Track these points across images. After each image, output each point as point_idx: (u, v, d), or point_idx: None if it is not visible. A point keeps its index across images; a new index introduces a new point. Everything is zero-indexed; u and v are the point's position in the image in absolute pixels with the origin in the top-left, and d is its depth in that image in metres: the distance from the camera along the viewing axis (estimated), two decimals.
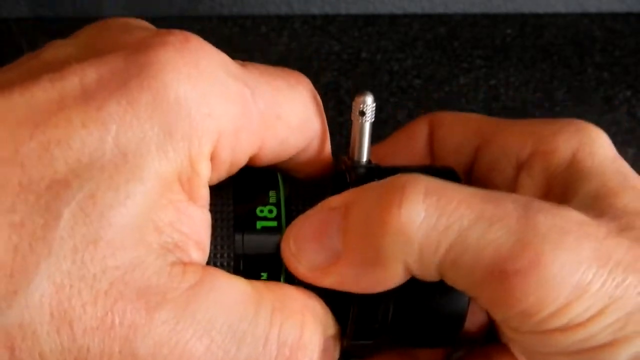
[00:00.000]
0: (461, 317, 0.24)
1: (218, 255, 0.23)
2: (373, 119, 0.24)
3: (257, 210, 0.24)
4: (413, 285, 0.22)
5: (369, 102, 0.24)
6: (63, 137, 0.19)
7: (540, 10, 0.58)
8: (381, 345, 0.25)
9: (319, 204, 0.23)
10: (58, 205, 0.19)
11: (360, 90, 0.24)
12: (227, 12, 0.57)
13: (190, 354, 0.20)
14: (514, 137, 0.26)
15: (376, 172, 0.24)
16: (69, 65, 0.20)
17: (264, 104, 0.23)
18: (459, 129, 0.28)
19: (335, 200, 0.23)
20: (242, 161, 0.23)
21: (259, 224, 0.23)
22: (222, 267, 0.23)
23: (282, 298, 0.22)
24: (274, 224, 0.23)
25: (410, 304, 0.23)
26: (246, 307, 0.21)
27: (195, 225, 0.22)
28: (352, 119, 0.24)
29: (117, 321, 0.19)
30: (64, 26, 0.57)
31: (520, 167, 0.25)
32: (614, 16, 0.58)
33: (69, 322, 0.19)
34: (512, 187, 0.25)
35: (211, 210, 0.23)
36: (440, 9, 0.58)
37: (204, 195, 0.22)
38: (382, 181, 0.22)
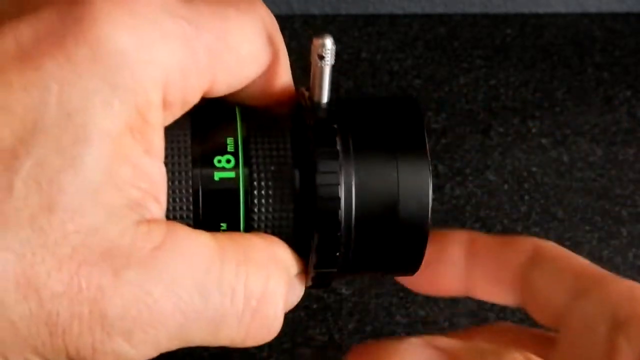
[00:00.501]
0: (424, 233, 0.24)
1: (177, 209, 0.23)
2: (333, 62, 0.24)
3: (215, 161, 0.23)
4: (374, 209, 0.23)
5: (328, 46, 0.24)
6: (4, 103, 0.19)
7: (540, 10, 0.58)
8: (346, 271, 0.25)
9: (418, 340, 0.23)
10: (9, 176, 0.19)
11: (319, 34, 0.24)
12: None
13: (159, 313, 0.20)
14: (612, 295, 0.24)
15: (335, 115, 0.24)
16: (2, 24, 0.20)
17: (211, 36, 0.22)
18: (555, 276, 0.26)
19: (441, 342, 0.22)
20: (194, 99, 0.23)
21: (217, 175, 0.23)
22: (181, 220, 0.23)
23: (246, 249, 0.22)
24: (231, 174, 0.23)
25: (371, 226, 0.24)
26: (211, 262, 0.21)
27: (153, 179, 0.21)
28: (311, 61, 0.24)
29: (83, 284, 0.19)
30: None
31: (617, 328, 0.23)
32: (614, 16, 0.58)
33: (35, 289, 0.19)
34: (607, 349, 0.23)
35: (167, 162, 0.23)
36: (440, 9, 0.58)
37: (158, 146, 0.22)
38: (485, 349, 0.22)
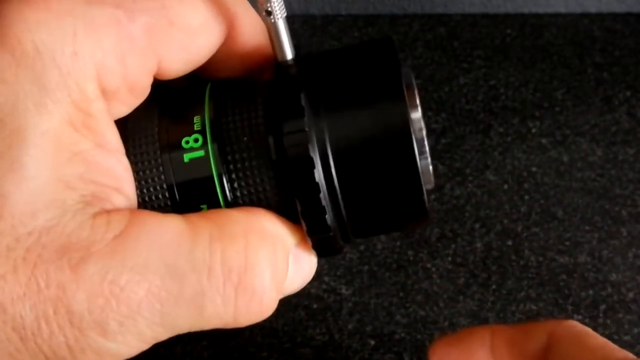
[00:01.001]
0: (414, 174, 0.23)
1: (153, 198, 0.22)
2: (285, 14, 0.23)
3: (183, 142, 0.23)
4: (355, 162, 0.22)
5: (271, 4, 0.23)
6: None
7: (540, 10, 0.58)
8: (351, 235, 0.24)
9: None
10: None
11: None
12: None
13: (129, 299, 0.20)
14: None
15: (301, 71, 0.23)
16: None
17: (148, 16, 0.22)
18: (580, 351, 0.27)
19: None
20: (142, 83, 0.22)
21: (186, 157, 0.23)
22: (159, 208, 0.22)
23: (221, 224, 0.22)
24: (200, 153, 0.23)
25: (356, 180, 0.23)
26: (180, 242, 0.21)
27: (110, 172, 0.21)
28: (263, 20, 0.23)
29: (42, 284, 0.19)
30: None
31: None
32: (614, 16, 0.58)
33: None
34: None
35: (136, 152, 0.22)
36: (440, 9, 0.58)
37: (111, 136, 0.21)
38: None
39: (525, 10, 0.58)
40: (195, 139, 0.23)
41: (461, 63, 0.55)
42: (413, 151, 0.22)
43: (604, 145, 0.50)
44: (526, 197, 0.48)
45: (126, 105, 0.22)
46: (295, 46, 0.24)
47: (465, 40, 0.57)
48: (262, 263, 0.22)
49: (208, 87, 0.24)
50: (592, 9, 0.58)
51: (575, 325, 0.28)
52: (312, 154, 0.22)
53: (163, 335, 0.21)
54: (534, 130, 0.51)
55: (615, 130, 0.51)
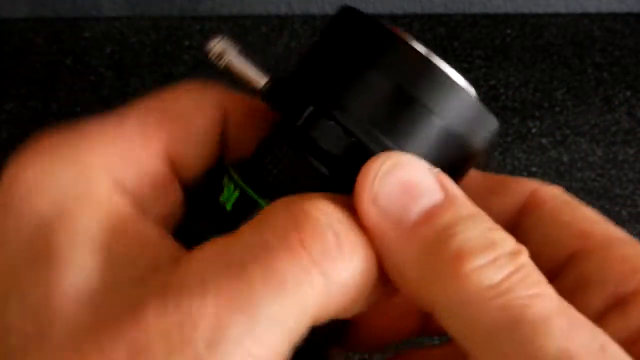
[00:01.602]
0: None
1: None
2: (237, 48, 0.24)
3: (220, 198, 0.23)
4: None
5: (214, 49, 0.24)
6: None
7: (540, 10, 0.58)
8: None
9: None
10: None
11: (207, 43, 0.24)
12: (227, 12, 0.57)
13: None
14: (615, 265, 0.22)
15: (288, 82, 0.23)
16: None
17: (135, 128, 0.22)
18: (553, 228, 0.24)
19: None
20: (167, 196, 0.23)
21: (229, 206, 0.23)
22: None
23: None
24: (236, 194, 0.23)
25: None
26: None
27: None
28: (219, 66, 0.24)
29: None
30: (64, 26, 0.58)
31: (617, 303, 0.22)
32: (614, 16, 0.58)
33: None
34: (598, 321, 0.20)
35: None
36: (440, 9, 0.58)
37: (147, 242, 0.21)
38: None
39: (525, 10, 0.58)
40: (228, 189, 0.23)
41: (461, 63, 0.55)
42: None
43: (604, 145, 0.50)
44: None
45: (156, 212, 0.22)
46: (269, 68, 0.24)
47: (465, 40, 0.57)
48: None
49: (228, 166, 0.24)
50: (592, 9, 0.58)
51: (562, 193, 0.25)
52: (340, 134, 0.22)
53: None
54: (534, 130, 0.51)
55: (615, 130, 0.51)
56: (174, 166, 0.23)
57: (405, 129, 0.22)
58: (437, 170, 0.21)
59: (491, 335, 0.19)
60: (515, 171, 0.49)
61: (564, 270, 0.24)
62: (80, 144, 0.22)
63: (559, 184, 0.48)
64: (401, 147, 0.22)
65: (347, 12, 0.24)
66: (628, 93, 0.53)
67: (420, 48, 0.23)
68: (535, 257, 0.22)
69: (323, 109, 0.22)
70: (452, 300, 0.19)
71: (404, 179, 0.20)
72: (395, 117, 0.22)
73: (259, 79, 0.24)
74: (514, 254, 0.20)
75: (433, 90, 0.22)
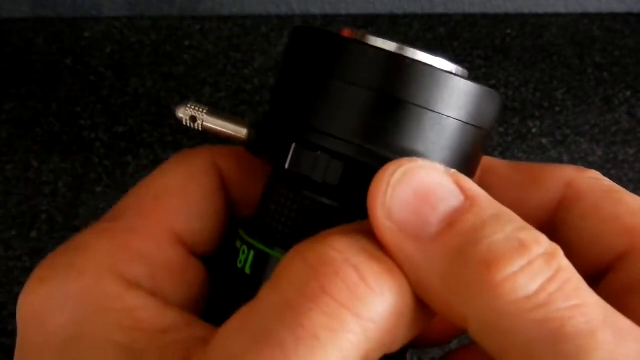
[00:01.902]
0: None
1: None
2: (206, 109, 0.23)
3: (238, 264, 0.22)
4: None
5: (187, 113, 0.23)
6: None
7: (540, 10, 0.58)
8: None
9: None
10: None
11: (172, 110, 0.23)
12: (227, 12, 0.57)
13: None
14: None
15: (264, 124, 0.22)
16: None
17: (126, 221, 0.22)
18: (602, 216, 0.22)
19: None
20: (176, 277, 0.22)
21: (247, 269, 0.22)
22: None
23: None
24: (251, 255, 0.22)
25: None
26: None
27: None
28: (192, 129, 0.23)
29: None
30: (64, 26, 0.58)
31: None
32: (614, 16, 0.58)
33: None
34: None
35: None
36: (440, 9, 0.58)
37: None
38: None
39: (525, 10, 0.58)
40: (243, 251, 0.22)
41: (461, 63, 0.55)
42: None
43: (604, 145, 0.50)
44: None
45: (168, 295, 0.22)
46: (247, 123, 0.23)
47: (465, 40, 0.57)
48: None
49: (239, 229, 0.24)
50: (592, 9, 0.58)
51: (601, 179, 0.23)
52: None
53: None
54: (534, 130, 0.51)
55: (615, 130, 0.51)
56: (185, 243, 0.22)
57: (400, 134, 0.20)
58: (453, 171, 0.19)
59: (530, 352, 0.17)
60: None
61: (610, 271, 0.21)
62: (80, 256, 0.21)
63: None
64: (403, 153, 0.20)
65: (299, 33, 0.22)
66: (628, 93, 0.53)
67: (387, 45, 0.21)
68: (578, 257, 0.20)
69: (303, 140, 0.21)
70: (485, 315, 0.17)
71: (418, 187, 0.18)
72: (384, 125, 0.20)
73: (239, 131, 0.23)
74: (549, 256, 0.18)
75: (415, 85, 0.21)
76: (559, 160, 0.50)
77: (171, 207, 0.22)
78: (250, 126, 0.23)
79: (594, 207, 0.22)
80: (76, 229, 0.46)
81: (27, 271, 0.44)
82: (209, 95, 0.52)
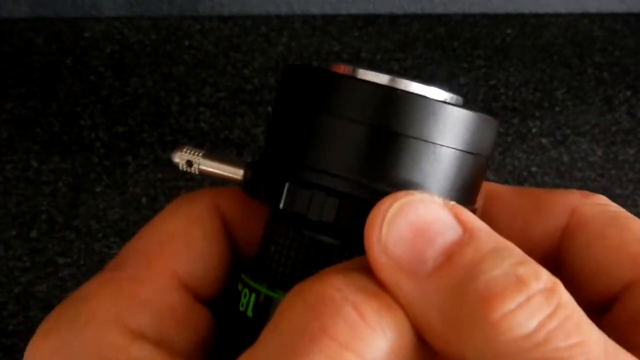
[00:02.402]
0: None
1: None
2: (202, 152, 0.23)
3: (240, 307, 0.22)
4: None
5: (183, 158, 0.23)
6: None
7: (540, 10, 0.58)
8: None
9: None
10: None
11: (169, 157, 0.23)
12: (227, 12, 0.57)
13: None
14: None
15: (260, 164, 0.22)
16: None
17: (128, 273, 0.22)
18: (608, 245, 0.21)
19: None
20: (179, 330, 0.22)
21: (249, 313, 0.22)
22: None
23: None
24: (252, 298, 0.22)
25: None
26: None
27: None
28: (189, 172, 0.23)
29: None
30: (64, 26, 0.58)
31: None
32: (614, 16, 0.58)
33: None
34: None
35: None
36: (440, 9, 0.58)
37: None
38: None
39: (525, 10, 0.58)
40: (244, 294, 0.22)
41: (461, 63, 0.55)
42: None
43: (604, 145, 0.50)
44: None
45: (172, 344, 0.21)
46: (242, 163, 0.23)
47: (465, 40, 0.57)
48: None
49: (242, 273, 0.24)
50: (592, 9, 0.58)
51: (606, 206, 0.22)
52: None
53: None
54: (534, 130, 0.51)
55: (615, 130, 0.51)
56: (189, 289, 0.22)
57: (395, 166, 0.20)
58: (452, 203, 0.19)
59: None
60: (515, 171, 0.49)
61: (616, 301, 0.21)
62: (85, 307, 0.21)
63: (559, 184, 0.48)
64: (400, 186, 0.20)
65: (291, 71, 0.22)
66: (628, 93, 0.53)
67: (378, 78, 0.21)
68: (583, 287, 0.20)
69: (296, 179, 0.21)
70: (483, 354, 0.17)
71: (415, 221, 0.18)
72: (379, 158, 0.20)
73: (236, 172, 0.23)
74: (549, 291, 0.17)
75: (408, 117, 0.20)
76: (559, 160, 0.50)
77: (174, 253, 0.22)
78: (247, 166, 0.22)
79: (599, 235, 0.21)
80: (76, 229, 0.46)
81: (27, 271, 0.44)
82: (209, 95, 0.52)
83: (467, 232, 0.18)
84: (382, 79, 0.21)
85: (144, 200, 0.48)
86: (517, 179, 0.49)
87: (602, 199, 0.23)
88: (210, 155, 0.23)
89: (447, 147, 0.20)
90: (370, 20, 0.58)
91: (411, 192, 0.18)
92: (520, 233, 0.19)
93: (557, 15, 0.58)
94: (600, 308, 0.21)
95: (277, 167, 0.21)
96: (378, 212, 0.18)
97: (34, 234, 0.46)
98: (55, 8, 0.56)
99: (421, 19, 0.58)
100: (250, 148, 0.50)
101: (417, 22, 0.58)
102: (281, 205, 0.21)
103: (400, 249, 0.18)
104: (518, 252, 0.18)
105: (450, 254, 0.17)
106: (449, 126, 0.20)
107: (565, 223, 0.22)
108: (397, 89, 0.20)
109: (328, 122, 0.20)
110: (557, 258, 0.21)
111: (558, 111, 0.52)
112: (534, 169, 0.49)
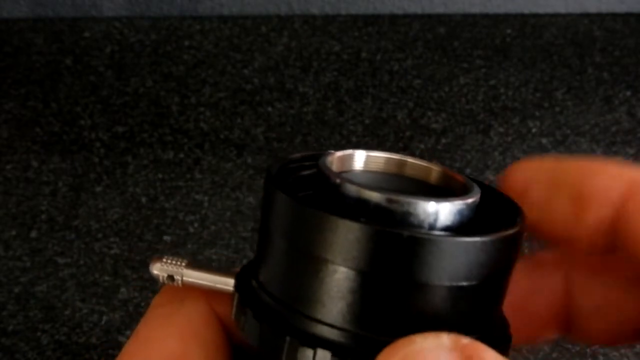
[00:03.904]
0: None
1: None
2: (185, 262, 0.21)
3: None
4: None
5: (162, 271, 0.21)
6: None
7: (540, 10, 0.58)
8: None
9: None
10: None
11: (150, 269, 0.21)
12: (227, 12, 0.57)
13: None
14: None
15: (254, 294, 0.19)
16: None
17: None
18: None
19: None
20: None
21: None
22: None
23: None
24: None
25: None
26: None
27: None
28: (178, 285, 0.20)
29: None
30: (64, 26, 0.58)
31: None
32: (614, 16, 0.58)
33: None
34: None
35: None
36: (440, 9, 0.58)
37: None
38: None
39: (525, 10, 0.58)
40: None
41: (461, 63, 0.55)
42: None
43: (604, 145, 0.50)
44: None
45: None
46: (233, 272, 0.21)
47: (465, 40, 0.57)
48: None
49: None
50: (592, 9, 0.58)
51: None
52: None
53: None
54: (534, 130, 0.51)
55: (615, 130, 0.51)
56: None
57: (391, 315, 0.17)
58: (466, 342, 0.16)
59: None
60: None
61: None
62: None
63: None
64: (398, 333, 0.16)
65: (272, 193, 0.18)
66: (628, 93, 0.53)
67: (374, 196, 0.16)
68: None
69: (298, 334, 0.18)
70: None
71: None
72: (372, 306, 0.17)
73: (226, 283, 0.20)
74: None
75: (406, 261, 0.16)
76: None
77: None
78: (237, 276, 0.20)
79: None
80: (76, 229, 0.46)
81: (27, 271, 0.44)
82: (209, 95, 0.52)
83: None
84: (379, 198, 0.17)
85: (144, 200, 0.48)
86: None
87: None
88: (195, 264, 0.20)
89: (455, 284, 0.17)
90: (370, 20, 0.58)
91: (412, 339, 0.16)
92: None
93: (557, 15, 0.58)
94: None
95: (273, 317, 0.18)
96: None
97: (34, 234, 0.46)
98: (55, 8, 0.56)
99: (421, 19, 0.58)
100: (250, 148, 0.50)
101: (417, 22, 0.58)
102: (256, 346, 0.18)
103: None
104: None
105: None
106: (452, 262, 0.16)
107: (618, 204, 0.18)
108: (379, 229, 0.16)
109: (317, 265, 0.17)
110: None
111: (558, 111, 0.52)
112: None
